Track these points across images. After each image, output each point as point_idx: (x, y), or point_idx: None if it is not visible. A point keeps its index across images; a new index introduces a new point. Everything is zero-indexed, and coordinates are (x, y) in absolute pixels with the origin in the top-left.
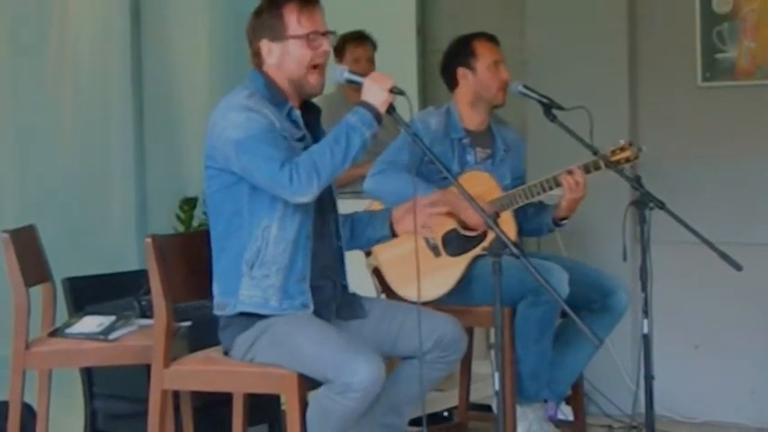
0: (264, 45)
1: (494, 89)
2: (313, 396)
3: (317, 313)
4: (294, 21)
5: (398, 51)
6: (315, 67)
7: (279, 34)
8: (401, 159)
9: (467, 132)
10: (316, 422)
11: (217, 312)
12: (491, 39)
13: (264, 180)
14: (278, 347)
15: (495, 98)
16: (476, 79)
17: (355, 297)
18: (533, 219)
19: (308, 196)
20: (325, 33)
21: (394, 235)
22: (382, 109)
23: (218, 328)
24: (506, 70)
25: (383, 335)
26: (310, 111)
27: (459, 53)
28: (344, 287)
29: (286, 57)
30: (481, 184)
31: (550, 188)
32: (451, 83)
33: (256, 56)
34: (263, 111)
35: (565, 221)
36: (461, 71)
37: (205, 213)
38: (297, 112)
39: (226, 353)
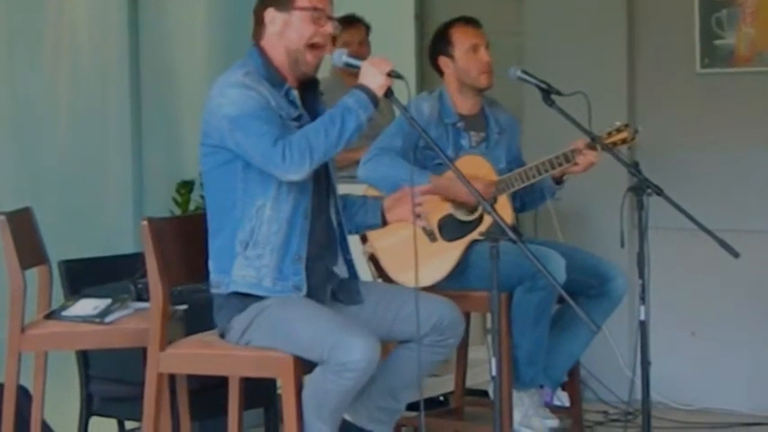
0: (269, 13)
1: (474, 73)
2: (309, 378)
3: (310, 296)
4: None
5: (396, 35)
6: (314, 46)
7: (286, 4)
8: (395, 145)
9: (460, 117)
10: (312, 403)
11: (213, 290)
12: (469, 22)
13: (257, 157)
14: (273, 330)
15: (477, 82)
16: (456, 66)
17: (353, 282)
18: (534, 187)
19: (299, 175)
20: (330, 17)
21: (384, 223)
22: (379, 92)
23: (213, 311)
24: (487, 53)
25: (380, 319)
26: (309, 89)
27: (438, 42)
28: (350, 265)
29: (288, 28)
30: (477, 167)
31: (546, 171)
32: (439, 72)
33: (258, 25)
34: (258, 88)
35: (564, 179)
36: (442, 60)
37: (202, 197)
38: (294, 93)
39: (221, 335)
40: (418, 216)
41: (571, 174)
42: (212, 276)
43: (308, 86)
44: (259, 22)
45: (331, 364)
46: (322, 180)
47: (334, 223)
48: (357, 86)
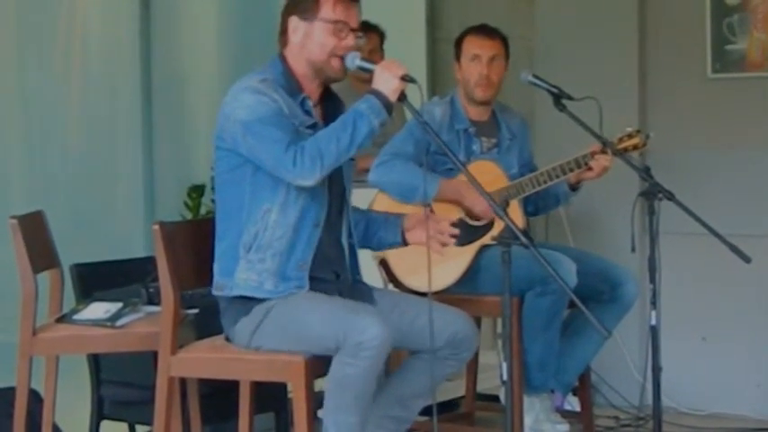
0: (293, 21)
1: (470, 84)
2: (327, 377)
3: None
4: (329, 6)
5: (408, 40)
6: (338, 56)
7: (310, 14)
8: (406, 150)
9: (471, 122)
10: (335, 393)
11: (215, 293)
12: (482, 32)
13: (269, 161)
14: (283, 329)
15: (472, 93)
16: (461, 74)
17: (364, 284)
18: (549, 192)
19: (310, 180)
20: (354, 30)
21: (404, 243)
22: (393, 97)
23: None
24: (491, 66)
25: (395, 325)
26: (330, 101)
27: (455, 49)
28: (358, 281)
29: (309, 39)
30: (488, 173)
31: (557, 176)
32: None
33: (283, 33)
34: (273, 95)
35: (579, 186)
36: (456, 66)
37: (213, 201)
38: (309, 103)
39: (228, 338)
40: (443, 245)
41: (585, 179)
42: (216, 279)
43: (330, 98)
44: (283, 30)
45: (346, 347)
46: (335, 194)
47: (345, 245)
48: (370, 91)
